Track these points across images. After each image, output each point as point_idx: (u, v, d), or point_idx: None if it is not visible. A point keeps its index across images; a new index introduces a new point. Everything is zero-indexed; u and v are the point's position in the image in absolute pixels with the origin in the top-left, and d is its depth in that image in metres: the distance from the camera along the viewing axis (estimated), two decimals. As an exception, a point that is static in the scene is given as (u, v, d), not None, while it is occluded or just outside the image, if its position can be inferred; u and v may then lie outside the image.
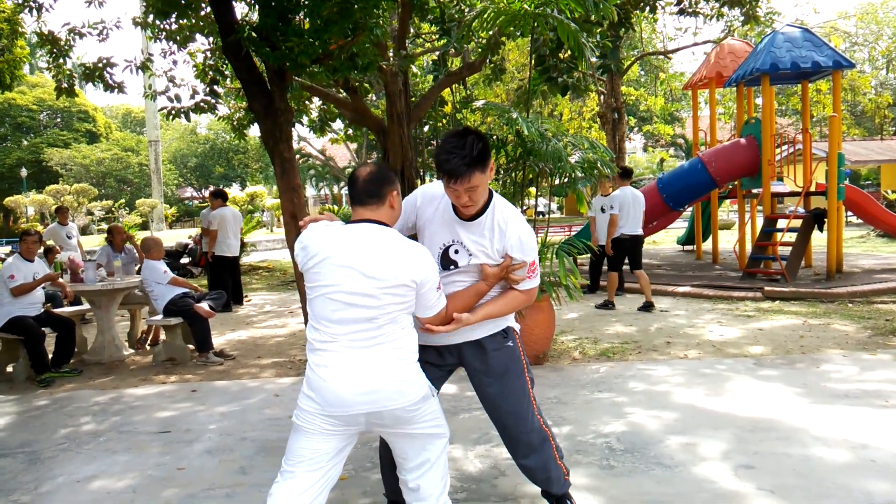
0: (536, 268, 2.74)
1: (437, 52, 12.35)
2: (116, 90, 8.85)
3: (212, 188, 12.66)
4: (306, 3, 5.81)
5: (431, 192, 2.79)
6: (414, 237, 2.74)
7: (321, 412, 2.36)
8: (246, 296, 10.92)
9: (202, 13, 8.01)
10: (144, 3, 8.41)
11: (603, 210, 9.05)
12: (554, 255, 5.95)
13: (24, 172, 36.02)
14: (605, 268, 9.43)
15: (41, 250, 7.82)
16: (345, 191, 41.08)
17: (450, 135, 2.57)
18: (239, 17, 6.67)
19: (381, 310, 2.35)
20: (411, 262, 2.39)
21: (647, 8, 12.38)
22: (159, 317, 6.66)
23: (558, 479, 2.95)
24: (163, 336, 6.95)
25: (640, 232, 8.57)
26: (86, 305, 7.85)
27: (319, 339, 2.39)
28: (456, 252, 2.70)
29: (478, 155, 2.49)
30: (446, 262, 2.71)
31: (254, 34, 5.77)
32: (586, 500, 3.18)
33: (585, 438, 4.01)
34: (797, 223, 9.95)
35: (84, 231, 31.90)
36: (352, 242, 2.39)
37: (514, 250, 2.66)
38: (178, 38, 8.66)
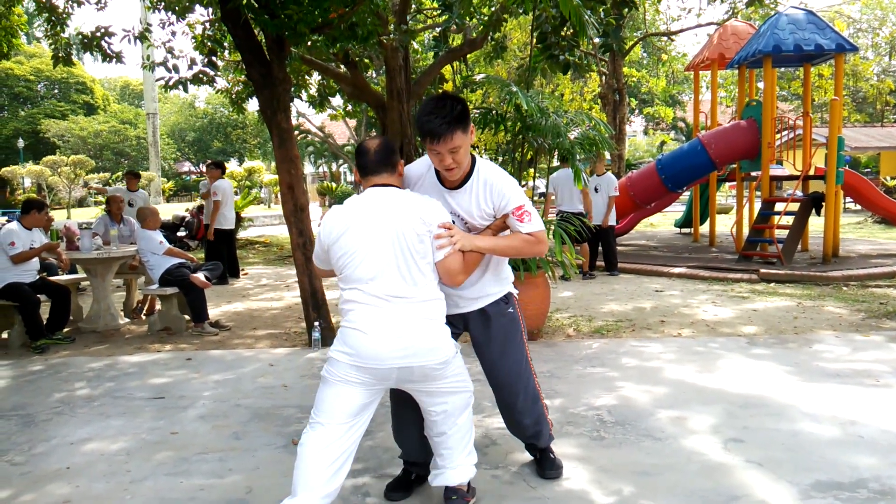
0: (527, 212, 2.69)
1: (439, 28, 12.24)
2: (114, 60, 8.77)
3: (209, 160, 12.61)
4: (306, -29, 5.74)
5: (411, 171, 2.86)
6: None
7: (355, 365, 2.48)
8: (243, 269, 10.92)
9: (201, -18, 7.91)
10: (143, -29, 8.32)
11: (596, 190, 9.14)
12: (550, 234, 5.96)
13: (20, 143, 35.88)
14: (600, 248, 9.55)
15: None
16: (343, 168, 40.94)
17: (429, 99, 2.62)
18: (238, -15, 6.59)
19: (410, 265, 2.49)
20: (426, 209, 2.55)
21: (651, -13, 12.27)
22: (155, 286, 6.66)
23: (545, 433, 3.15)
24: (158, 306, 6.95)
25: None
26: (81, 274, 7.85)
27: (354, 300, 2.51)
28: (452, 222, 2.74)
29: (458, 115, 2.55)
30: None
31: (253, 2, 5.70)
32: (576, 469, 3.21)
33: (577, 411, 4.03)
34: (795, 206, 9.95)
35: (81, 203, 31.83)
36: (372, 205, 2.55)
37: (505, 198, 2.68)
38: (176, 7, 8.57)
